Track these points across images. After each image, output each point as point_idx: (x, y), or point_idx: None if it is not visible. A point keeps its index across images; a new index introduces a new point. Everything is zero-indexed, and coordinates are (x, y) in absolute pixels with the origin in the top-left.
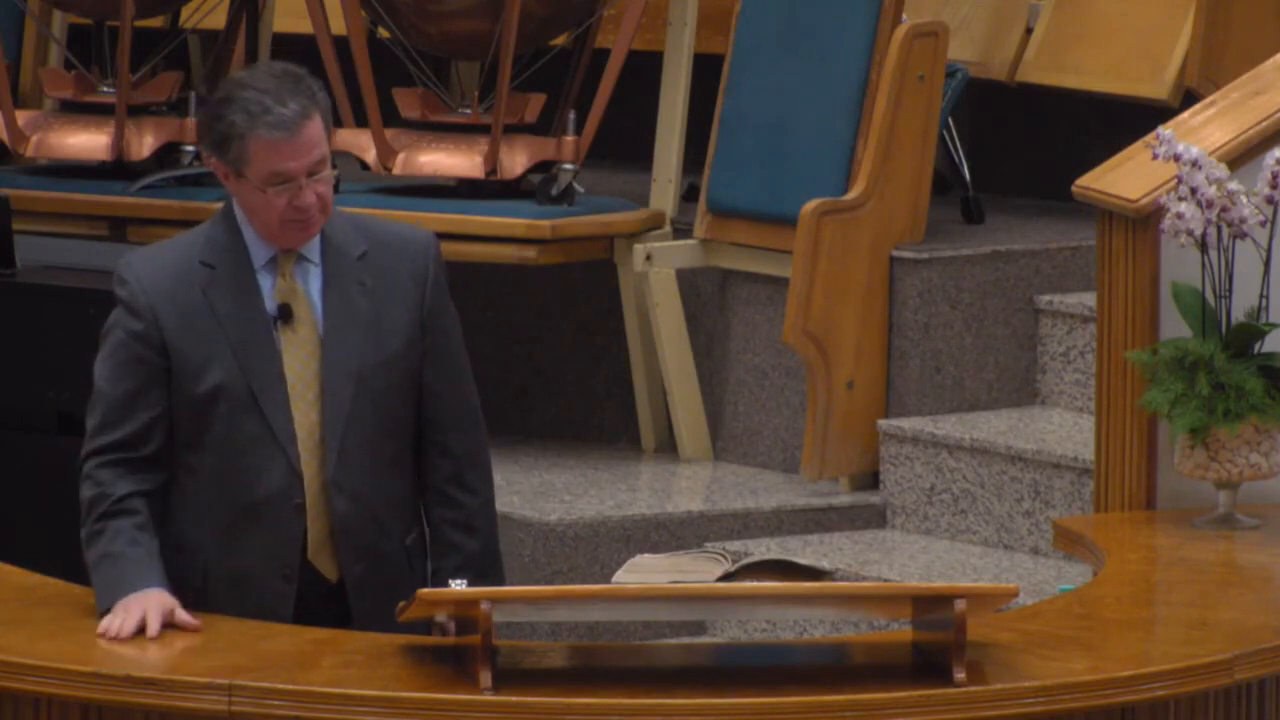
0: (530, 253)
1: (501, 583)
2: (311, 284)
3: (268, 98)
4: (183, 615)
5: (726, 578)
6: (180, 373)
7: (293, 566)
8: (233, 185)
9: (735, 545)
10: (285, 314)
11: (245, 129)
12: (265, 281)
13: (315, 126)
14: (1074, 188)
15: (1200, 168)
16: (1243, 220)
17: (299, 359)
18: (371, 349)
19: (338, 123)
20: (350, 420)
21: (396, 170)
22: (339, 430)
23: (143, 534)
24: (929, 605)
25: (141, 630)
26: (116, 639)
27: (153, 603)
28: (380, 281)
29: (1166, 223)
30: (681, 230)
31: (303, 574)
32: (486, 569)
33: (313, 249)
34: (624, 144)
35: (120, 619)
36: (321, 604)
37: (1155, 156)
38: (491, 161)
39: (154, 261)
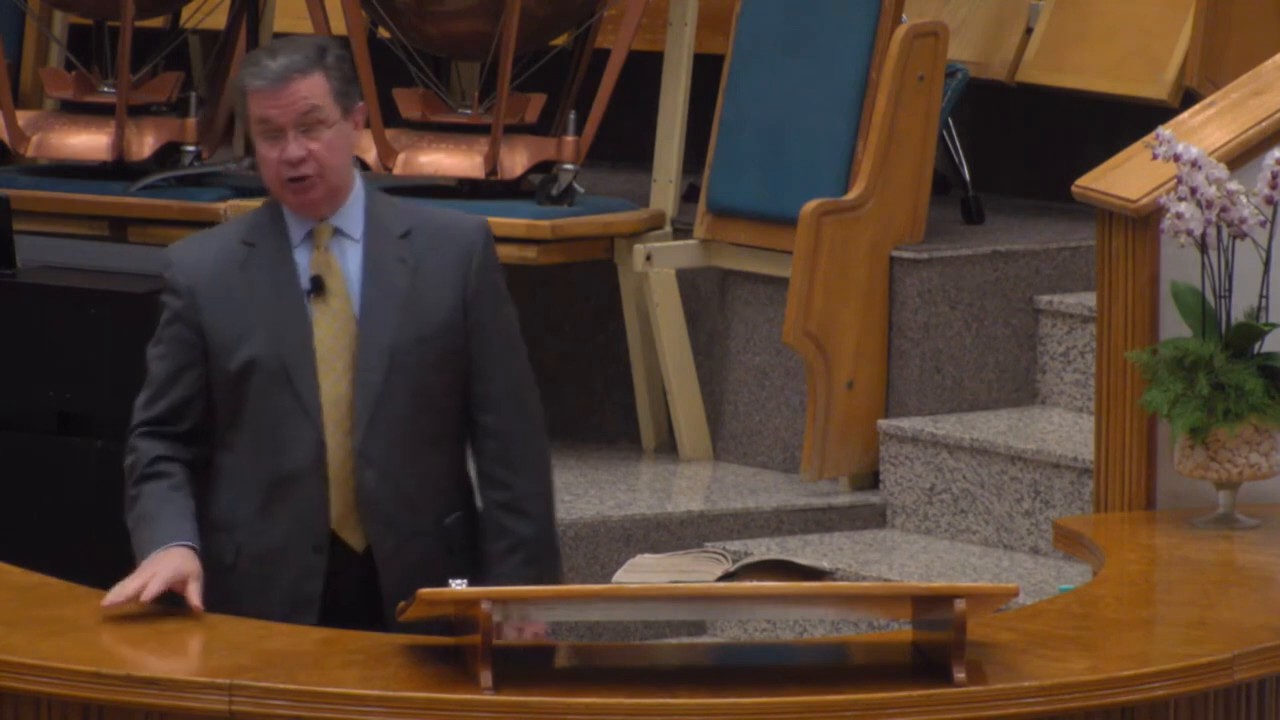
0: (530, 253)
1: (557, 568)
2: (349, 260)
3: (264, 53)
4: (192, 591)
5: (726, 578)
6: (216, 350)
7: (322, 538)
8: (255, 149)
9: (735, 545)
10: (317, 286)
11: (243, 83)
12: (302, 257)
13: (307, 83)
14: (1074, 188)
15: (1200, 168)
16: (1242, 220)
17: (330, 332)
18: (408, 325)
19: None
20: (383, 394)
21: (397, 170)
22: (370, 403)
23: (176, 493)
24: (929, 605)
25: (138, 596)
26: (110, 604)
27: (163, 567)
28: (422, 260)
29: (1166, 223)
30: (681, 230)
31: (333, 545)
32: (540, 553)
33: (354, 226)
34: (624, 144)
35: (126, 583)
36: (350, 577)
37: (1155, 156)
38: (492, 161)
39: (198, 244)
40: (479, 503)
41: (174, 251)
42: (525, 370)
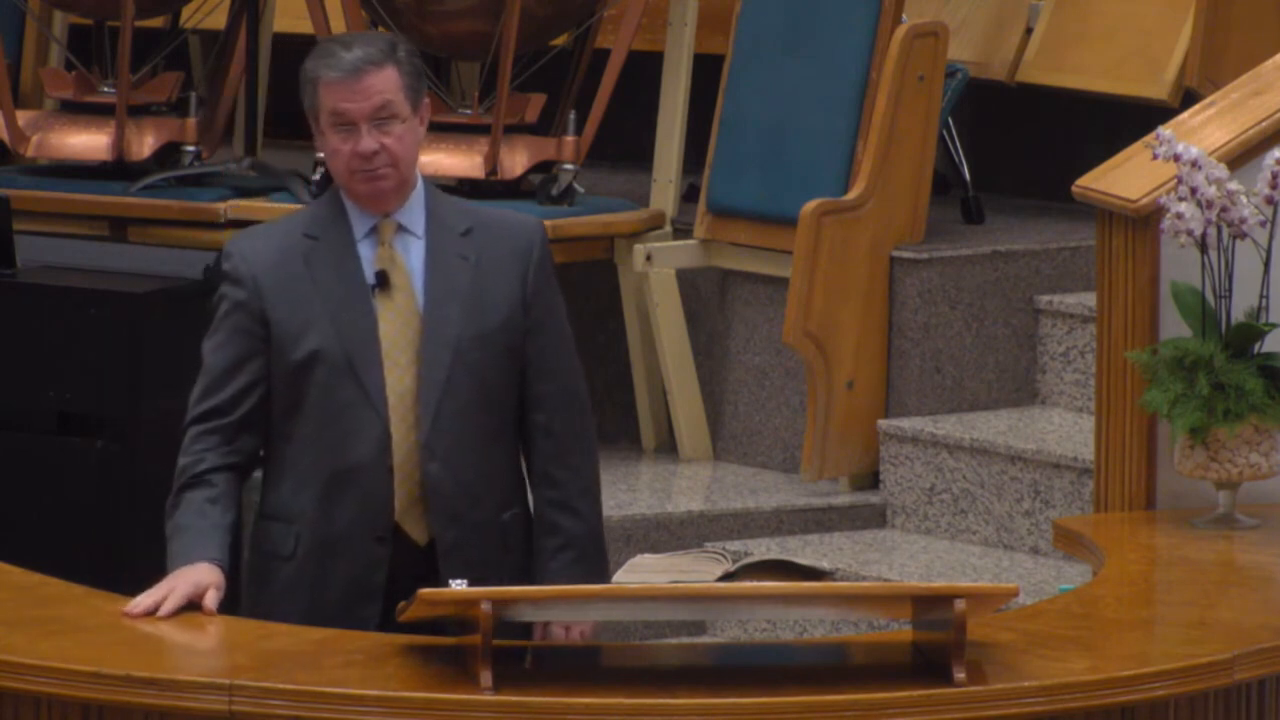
0: None
1: (604, 566)
2: (413, 255)
3: (337, 45)
4: (210, 599)
5: (726, 578)
6: (279, 340)
7: (386, 529)
8: (318, 142)
9: (735, 545)
10: (383, 281)
11: (313, 72)
12: (365, 251)
13: (382, 77)
14: (1074, 188)
15: (1200, 168)
16: (1243, 220)
17: (394, 326)
18: (470, 321)
19: None
20: (447, 388)
21: None
22: (435, 396)
23: (212, 507)
24: (929, 605)
25: (157, 610)
26: (129, 615)
27: (182, 582)
28: (483, 258)
29: (1166, 223)
30: (681, 230)
31: (395, 537)
32: (589, 550)
33: (417, 222)
34: (624, 144)
35: (146, 595)
36: (411, 570)
37: (1155, 156)
38: (492, 161)
39: (260, 236)
40: (530, 501)
41: (234, 243)
42: (578, 370)
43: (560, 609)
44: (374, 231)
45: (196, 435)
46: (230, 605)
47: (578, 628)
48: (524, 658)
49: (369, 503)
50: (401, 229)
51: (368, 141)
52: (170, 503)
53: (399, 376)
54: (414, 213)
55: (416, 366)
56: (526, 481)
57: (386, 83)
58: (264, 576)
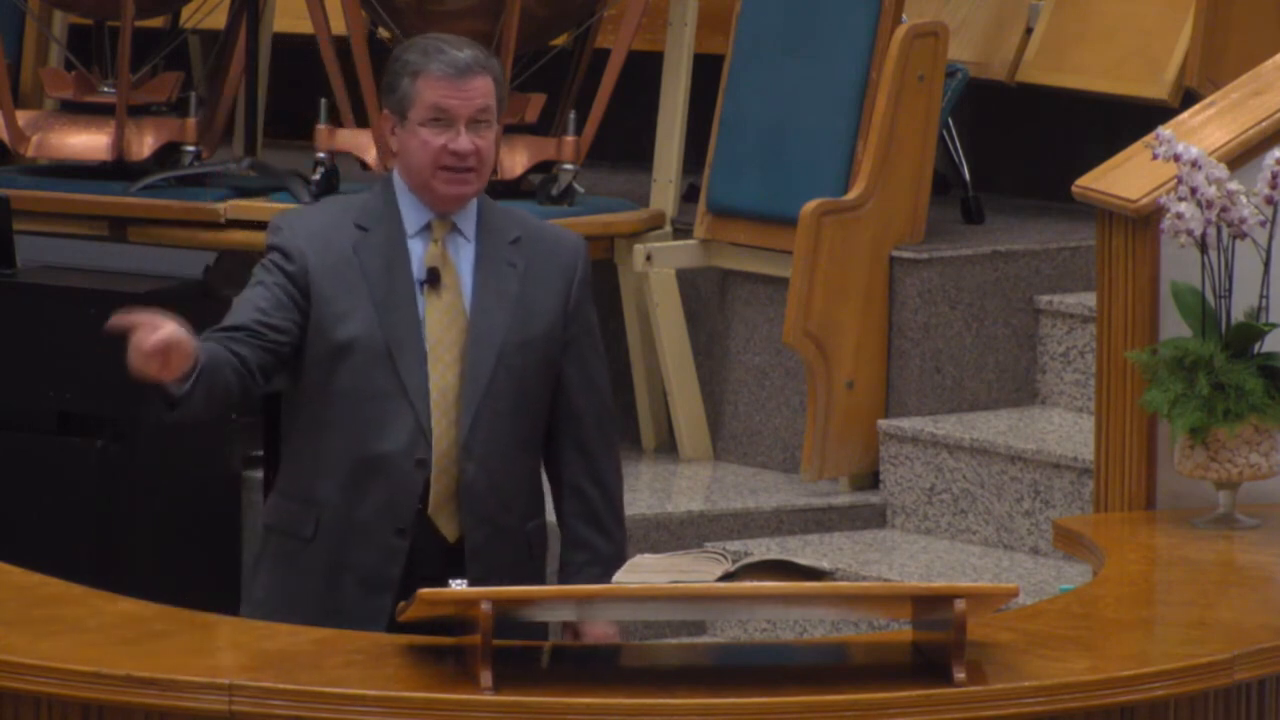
0: None
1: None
2: (462, 257)
3: (445, 43)
4: (161, 332)
5: (726, 578)
6: (319, 319)
7: (408, 522)
8: (397, 137)
9: (735, 545)
10: (433, 278)
11: (419, 65)
12: (416, 248)
13: (485, 82)
14: (1074, 188)
15: (1200, 168)
16: (1243, 220)
17: (440, 324)
18: (515, 327)
19: (338, 123)
20: (489, 390)
21: None
22: (476, 397)
23: (206, 343)
24: (929, 605)
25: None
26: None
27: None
28: (530, 266)
29: (1166, 223)
30: (681, 230)
31: (419, 530)
32: (614, 567)
33: (469, 225)
34: (624, 144)
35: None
36: (435, 564)
37: (1155, 156)
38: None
39: (309, 215)
40: (557, 512)
41: (283, 219)
42: (610, 389)
43: (560, 609)
44: (426, 229)
45: (209, 336)
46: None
47: (603, 629)
48: (536, 658)
49: (395, 494)
50: (454, 229)
51: (465, 141)
52: None
53: (442, 373)
54: (468, 216)
55: (460, 365)
56: (548, 493)
57: (487, 87)
58: (279, 555)
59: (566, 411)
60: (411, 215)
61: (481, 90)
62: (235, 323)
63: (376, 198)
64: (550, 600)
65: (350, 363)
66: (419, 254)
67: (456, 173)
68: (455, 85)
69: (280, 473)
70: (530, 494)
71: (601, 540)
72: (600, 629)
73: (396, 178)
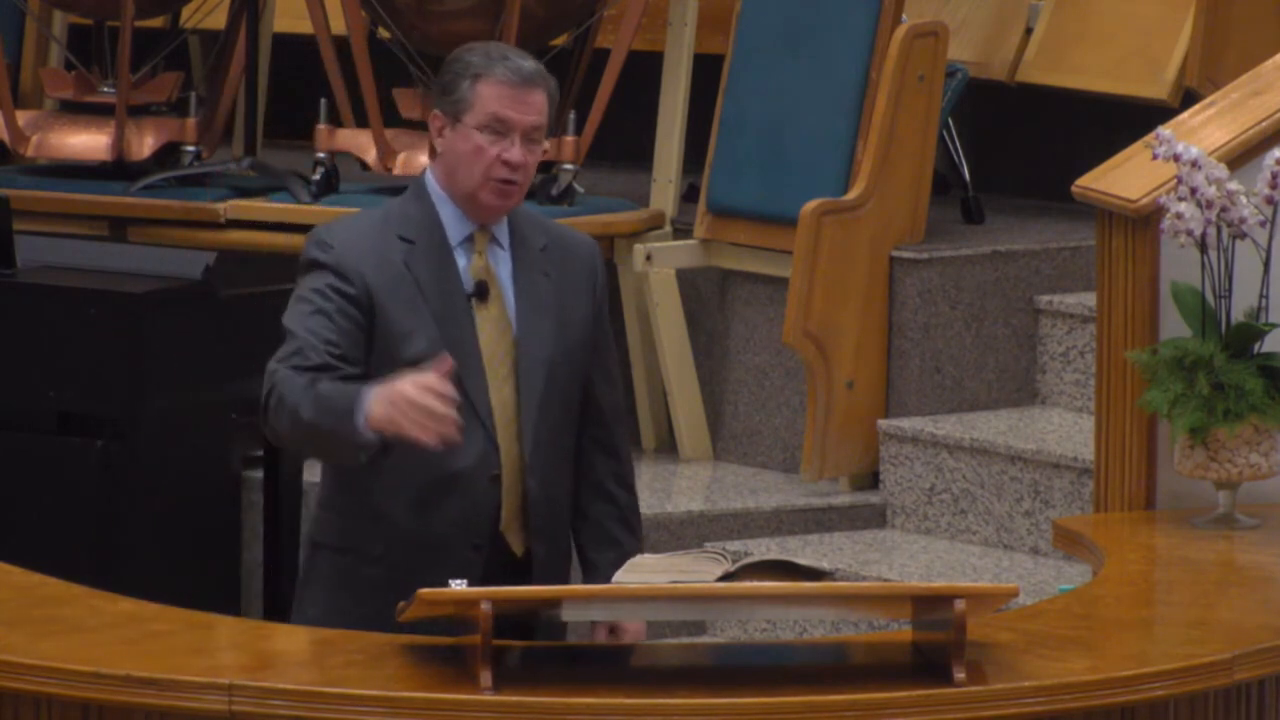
0: None
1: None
2: (501, 267)
3: (506, 50)
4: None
5: (726, 578)
6: (385, 337)
7: (484, 537)
8: (446, 138)
9: (735, 545)
10: (481, 292)
11: (482, 68)
12: (460, 259)
13: (542, 97)
14: (1074, 188)
15: (1200, 168)
16: (1242, 220)
17: (491, 338)
18: (559, 338)
19: (337, 123)
20: (542, 404)
21: (397, 170)
22: (534, 411)
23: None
24: (929, 605)
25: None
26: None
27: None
28: (561, 274)
29: (1166, 223)
30: (681, 230)
31: (492, 546)
32: None
33: (502, 234)
34: (624, 144)
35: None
36: (505, 579)
37: (1155, 156)
38: None
39: (353, 229)
40: (582, 513)
41: (327, 235)
42: (622, 388)
43: (560, 609)
44: (469, 240)
45: (288, 369)
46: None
47: (638, 627)
48: (536, 658)
49: (471, 511)
50: (494, 241)
51: (519, 152)
52: (287, 403)
53: (498, 388)
54: (503, 226)
55: (513, 380)
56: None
57: (543, 103)
58: (337, 572)
59: (594, 413)
60: (454, 226)
61: (539, 105)
62: (315, 363)
63: (414, 206)
64: (550, 600)
65: None
66: (464, 266)
67: (504, 184)
68: (518, 95)
69: (331, 490)
70: (570, 500)
71: (631, 541)
72: (636, 626)
73: (431, 183)
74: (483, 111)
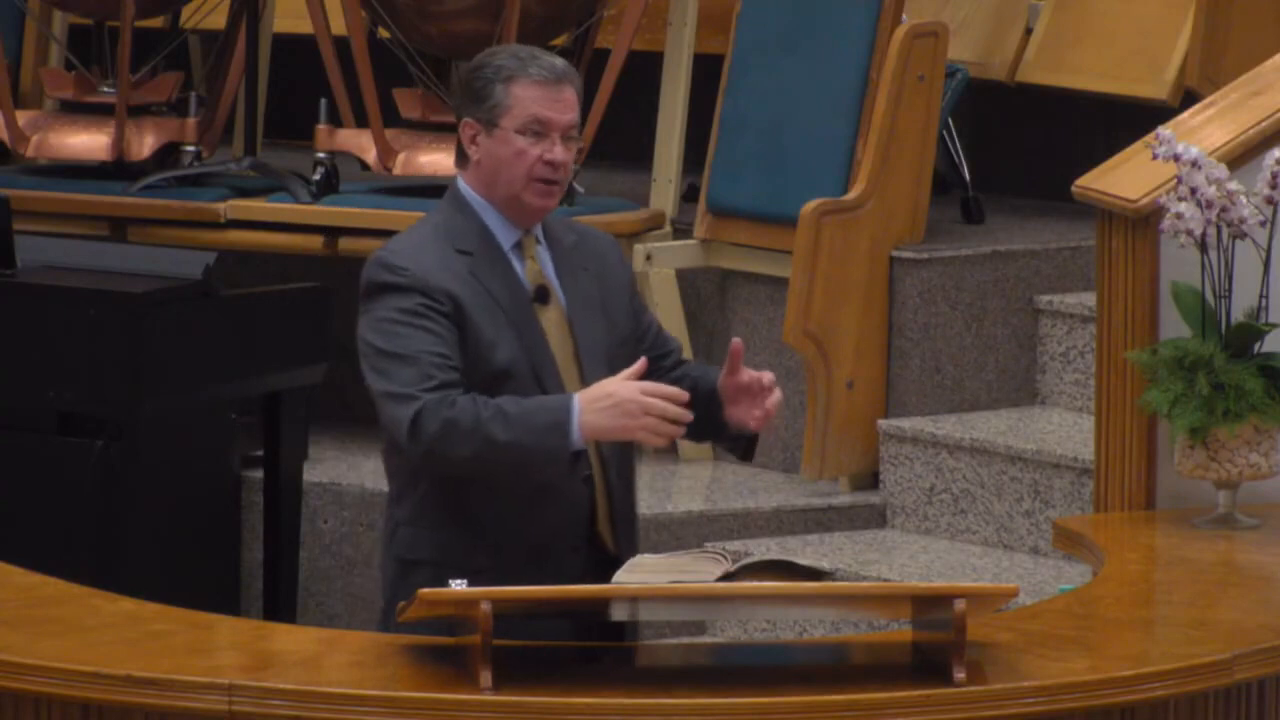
0: None
1: None
2: (547, 268)
3: (536, 51)
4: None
5: (726, 578)
6: (474, 349)
7: (581, 538)
8: (481, 145)
9: (735, 545)
10: (542, 295)
11: (514, 71)
12: (515, 264)
13: (574, 93)
14: (1074, 188)
15: (1200, 168)
16: (1242, 220)
17: (556, 339)
18: (610, 331)
19: (337, 123)
20: None
21: (397, 170)
22: None
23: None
24: (929, 605)
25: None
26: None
27: (623, 387)
28: (598, 269)
29: (1166, 223)
30: (681, 230)
31: (590, 546)
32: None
33: (540, 235)
34: (624, 144)
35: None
36: (600, 578)
37: (1155, 156)
38: None
39: (417, 249)
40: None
41: (398, 257)
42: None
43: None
44: (518, 246)
45: (430, 397)
46: (233, 583)
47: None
48: (536, 658)
49: (571, 513)
50: (537, 242)
51: (560, 151)
52: (476, 422)
53: (572, 388)
54: (538, 227)
55: (580, 379)
56: None
57: (575, 99)
58: (433, 586)
59: (672, 365)
60: (502, 233)
61: (572, 102)
62: (444, 380)
63: (458, 218)
64: (549, 600)
65: (507, 388)
66: (520, 271)
67: (547, 184)
68: (554, 95)
69: (422, 507)
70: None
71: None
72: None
73: (467, 192)
74: (522, 113)
